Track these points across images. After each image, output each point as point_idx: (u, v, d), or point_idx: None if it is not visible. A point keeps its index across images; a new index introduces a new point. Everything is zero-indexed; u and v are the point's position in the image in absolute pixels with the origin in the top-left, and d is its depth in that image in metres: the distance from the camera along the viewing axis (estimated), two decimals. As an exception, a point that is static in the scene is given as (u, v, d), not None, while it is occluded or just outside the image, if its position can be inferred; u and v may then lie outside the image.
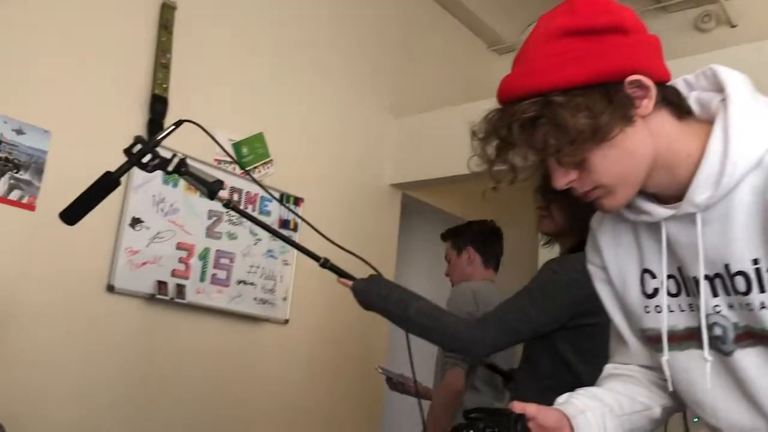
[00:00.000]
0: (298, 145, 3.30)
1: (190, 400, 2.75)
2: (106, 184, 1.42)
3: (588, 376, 1.45)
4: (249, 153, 3.05)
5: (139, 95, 2.69)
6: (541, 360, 1.60)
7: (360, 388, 3.48)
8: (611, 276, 1.10)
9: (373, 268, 1.64)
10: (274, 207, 3.15)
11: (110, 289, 2.56)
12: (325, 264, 1.62)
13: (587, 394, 1.08)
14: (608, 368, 1.18)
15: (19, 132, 2.35)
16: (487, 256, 2.73)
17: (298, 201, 3.23)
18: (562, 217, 1.69)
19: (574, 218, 1.66)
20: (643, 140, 0.92)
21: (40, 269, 2.38)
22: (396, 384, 2.69)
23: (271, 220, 3.13)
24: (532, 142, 0.92)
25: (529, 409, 0.93)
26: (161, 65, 2.71)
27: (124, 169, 1.44)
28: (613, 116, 0.89)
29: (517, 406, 0.92)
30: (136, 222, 2.64)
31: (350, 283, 1.63)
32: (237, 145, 3.00)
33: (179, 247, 2.77)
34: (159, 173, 2.70)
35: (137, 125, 2.67)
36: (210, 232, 2.89)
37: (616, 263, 1.09)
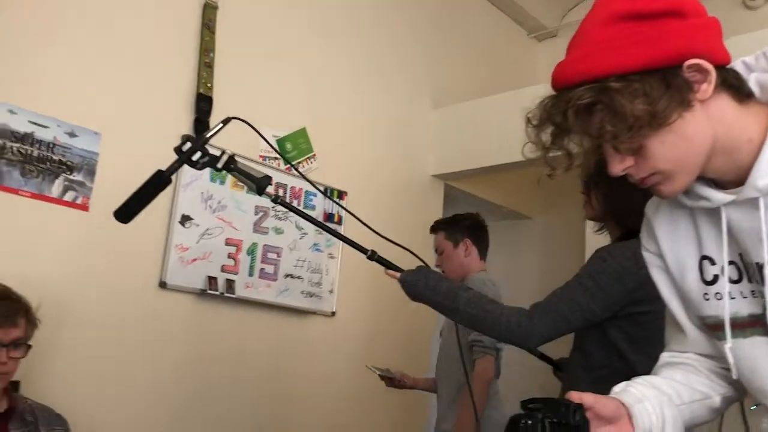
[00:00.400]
0: (340, 139, 3.32)
1: (240, 392, 2.81)
2: (157, 182, 1.45)
3: (641, 366, 1.43)
4: (293, 148, 3.08)
5: (185, 95, 2.74)
6: (593, 350, 1.58)
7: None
8: (668, 263, 1.09)
9: (421, 259, 1.64)
10: (318, 201, 3.18)
11: (162, 285, 2.62)
12: (373, 256, 1.63)
13: (645, 383, 1.06)
14: (664, 357, 1.16)
15: (72, 135, 2.42)
16: (481, 248, 2.76)
17: (341, 194, 3.25)
18: (599, 204, 1.68)
19: (610, 206, 1.65)
20: (702, 125, 0.90)
21: (94, 268, 2.45)
22: (392, 380, 2.74)
23: (316, 214, 3.16)
24: (588, 128, 0.91)
25: (587, 398, 0.93)
26: (205, 64, 2.75)
27: (174, 168, 1.47)
28: (671, 102, 0.87)
29: (574, 396, 0.91)
30: (185, 219, 2.70)
31: (398, 274, 1.64)
32: (281, 141, 3.04)
33: (228, 242, 2.83)
34: (206, 171, 2.77)
35: (183, 124, 2.72)
36: (257, 228, 2.94)
37: (673, 250, 1.07)
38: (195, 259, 2.71)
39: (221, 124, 1.51)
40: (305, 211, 3.09)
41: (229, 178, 2.86)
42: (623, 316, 1.55)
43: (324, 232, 3.14)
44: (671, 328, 1.16)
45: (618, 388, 1.05)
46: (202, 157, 1.46)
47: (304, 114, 3.17)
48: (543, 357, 1.92)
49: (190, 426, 2.65)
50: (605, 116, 0.88)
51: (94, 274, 2.45)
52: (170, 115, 2.70)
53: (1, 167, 2.23)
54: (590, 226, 3.07)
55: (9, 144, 2.26)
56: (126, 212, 1.44)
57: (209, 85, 2.75)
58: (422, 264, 1.64)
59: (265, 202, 2.97)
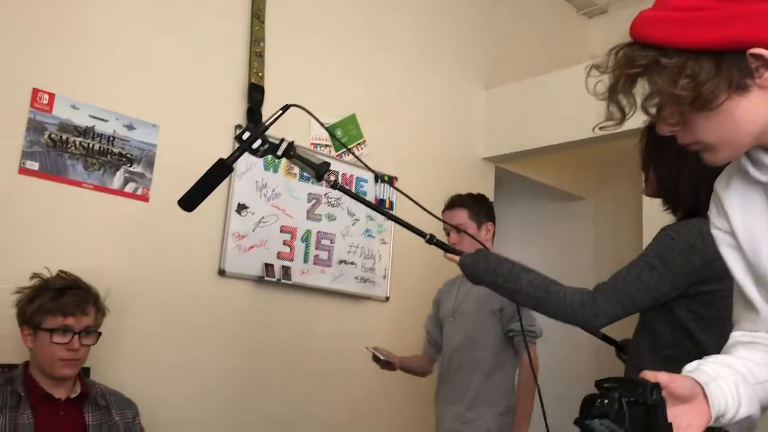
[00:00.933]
0: (389, 124, 3.32)
1: (297, 376, 2.85)
2: (219, 171, 1.48)
3: (710, 345, 1.40)
4: (343, 135, 3.10)
5: (237, 85, 2.78)
6: (660, 330, 1.55)
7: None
8: (740, 241, 1.06)
9: (480, 242, 1.64)
10: (369, 187, 3.19)
11: (221, 273, 2.68)
12: (432, 240, 1.63)
13: (717, 362, 1.04)
14: (735, 336, 1.13)
15: (130, 128, 2.48)
16: (494, 234, 2.67)
17: (392, 179, 3.26)
18: (655, 181, 1.65)
19: (666, 183, 1.61)
20: (755, 109, 0.90)
21: (156, 257, 2.52)
22: (386, 363, 2.57)
23: (368, 199, 3.17)
24: (631, 95, 0.94)
25: (662, 377, 0.91)
26: (256, 54, 2.78)
27: (236, 156, 1.50)
28: (719, 86, 0.88)
29: (649, 375, 0.90)
30: (242, 208, 2.75)
31: (457, 258, 1.64)
32: (331, 128, 3.05)
33: (283, 230, 2.86)
34: (260, 160, 2.82)
35: (236, 114, 2.76)
36: (310, 215, 2.97)
37: (746, 227, 1.04)
38: (252, 247, 2.76)
39: (280, 111, 1.52)
40: (357, 197, 3.12)
41: (282, 167, 2.89)
42: (690, 295, 1.52)
43: (376, 218, 3.15)
44: (741, 307, 1.13)
45: (690, 367, 1.03)
46: (262, 144, 1.48)
47: (354, 100, 3.18)
48: (606, 338, 1.89)
49: (249, 407, 2.71)
50: (651, 88, 0.91)
51: (156, 263, 2.52)
52: (223, 105, 2.74)
53: (65, 161, 2.31)
54: (648, 205, 3.03)
55: (72, 138, 2.33)
56: (190, 200, 1.48)
57: (260, 74, 2.78)
58: (482, 247, 1.63)
59: (317, 189, 3.00)
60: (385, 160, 3.25)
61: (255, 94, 2.75)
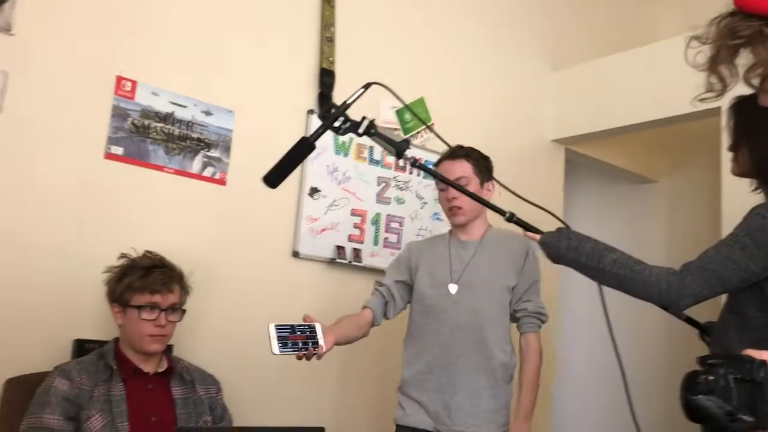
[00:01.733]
0: (457, 106, 3.31)
1: (367, 357, 2.89)
2: (302, 149, 1.51)
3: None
4: (412, 118, 3.10)
5: (308, 70, 2.82)
6: (749, 311, 1.50)
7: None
8: None
9: (561, 220, 1.62)
10: (438, 170, 3.19)
11: (295, 254, 2.74)
12: (512, 218, 1.62)
13: None
14: None
15: (208, 113, 2.55)
16: None
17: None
18: (748, 159, 1.58)
19: (759, 160, 1.55)
20: None
21: (232, 238, 2.59)
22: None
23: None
24: (732, 65, 0.91)
25: (767, 356, 0.89)
26: (326, 39, 2.81)
27: (319, 133, 1.52)
28: None
29: (754, 353, 0.88)
30: (314, 191, 2.79)
31: (538, 236, 1.62)
32: (400, 111, 3.06)
33: (353, 213, 2.90)
34: (330, 144, 2.86)
35: (308, 99, 2.80)
36: (380, 198, 2.99)
37: None
38: (324, 230, 2.80)
39: (362, 90, 1.54)
40: (425, 181, 3.13)
41: (353, 151, 2.92)
42: (783, 275, 1.46)
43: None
44: None
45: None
46: (344, 122, 1.50)
47: (422, 83, 3.17)
48: (689, 320, 1.84)
49: (319, 388, 2.77)
50: (756, 58, 0.91)
51: (233, 244, 2.59)
52: (295, 91, 2.78)
53: (147, 146, 2.39)
54: (729, 188, 2.92)
55: (153, 124, 2.41)
56: (274, 178, 1.52)
57: (331, 59, 2.81)
58: (563, 225, 1.62)
59: (386, 173, 3.02)
60: (452, 142, 3.23)
61: (326, 78, 2.78)
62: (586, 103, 3.60)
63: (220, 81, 2.60)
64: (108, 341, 2.03)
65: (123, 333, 1.99)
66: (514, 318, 2.23)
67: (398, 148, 1.54)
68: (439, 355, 2.16)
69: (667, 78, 3.24)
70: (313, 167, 2.78)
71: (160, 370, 2.00)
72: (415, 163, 1.59)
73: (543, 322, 2.23)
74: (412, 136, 3.07)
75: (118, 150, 2.33)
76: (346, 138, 2.88)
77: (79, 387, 1.83)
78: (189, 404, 1.99)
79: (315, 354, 1.78)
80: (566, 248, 1.58)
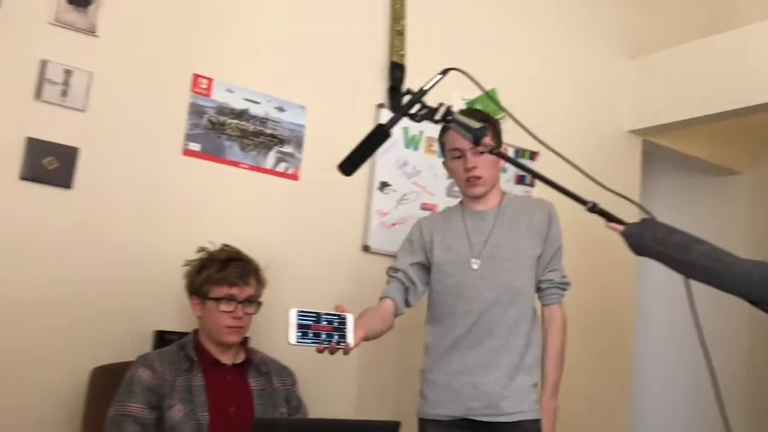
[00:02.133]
0: (529, 98, 3.23)
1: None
2: (378, 137, 1.50)
3: None
4: (484, 108, 3.05)
5: (379, 64, 2.81)
6: None
7: (607, 338, 3.40)
8: None
9: (646, 211, 1.56)
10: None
11: (365, 249, 2.74)
12: (594, 208, 1.57)
13: None
14: None
15: (281, 109, 2.58)
16: None
17: (533, 155, 3.18)
18: None
19: None
20: None
21: (304, 233, 2.61)
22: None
23: (507, 177, 3.12)
24: None
25: None
26: (396, 33, 2.80)
27: (394, 121, 1.51)
28: None
29: None
30: (384, 185, 2.79)
31: (620, 227, 1.56)
32: (471, 103, 3.02)
33: (423, 207, 2.88)
34: (399, 138, 2.85)
35: (378, 93, 2.80)
36: (450, 192, 2.96)
37: None
38: (394, 224, 2.80)
39: (440, 76, 1.52)
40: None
41: (422, 144, 2.90)
42: None
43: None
44: None
45: None
46: (420, 109, 1.49)
47: (493, 75, 3.09)
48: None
49: (391, 379, 2.76)
50: None
51: (306, 238, 2.61)
52: (365, 85, 2.78)
53: (222, 142, 2.44)
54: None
55: (228, 120, 2.46)
56: (349, 165, 1.52)
57: (401, 53, 2.80)
58: (648, 216, 1.55)
59: (457, 166, 2.98)
60: (525, 135, 3.17)
61: (396, 72, 2.77)
62: (665, 92, 3.46)
63: (293, 77, 2.62)
64: (187, 333, 2.08)
65: (202, 325, 2.03)
66: (537, 289, 2.11)
67: (476, 135, 1.52)
68: (467, 335, 2.02)
69: (752, 65, 3.09)
70: (383, 161, 2.78)
71: (238, 361, 2.04)
72: (492, 150, 1.55)
73: (566, 291, 2.12)
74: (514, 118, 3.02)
75: (195, 146, 2.39)
76: (416, 131, 2.87)
77: (161, 377, 1.88)
78: (265, 396, 2.02)
79: (340, 350, 1.60)
80: (651, 239, 1.51)
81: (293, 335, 1.51)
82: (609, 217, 1.57)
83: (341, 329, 1.59)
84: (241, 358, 2.05)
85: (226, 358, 2.01)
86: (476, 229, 2.09)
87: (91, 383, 2.05)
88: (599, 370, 3.39)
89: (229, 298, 1.97)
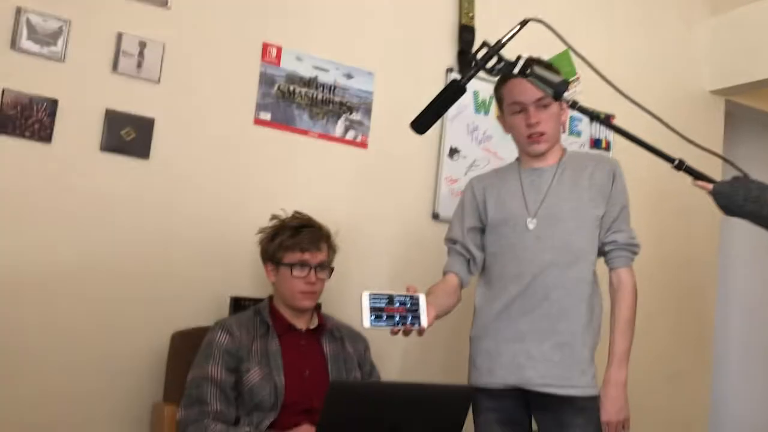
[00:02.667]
0: (604, 59, 3.07)
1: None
2: (453, 92, 1.46)
3: None
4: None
5: (447, 27, 2.76)
6: None
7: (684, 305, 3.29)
8: None
9: (739, 169, 1.47)
10: (584, 127, 3.03)
11: (435, 216, 2.71)
12: (681, 165, 1.49)
13: None
14: None
15: (348, 76, 2.56)
16: None
17: (609, 118, 3.06)
18: None
19: None
20: None
21: (374, 201, 2.61)
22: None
23: (582, 141, 3.03)
24: None
25: None
26: (465, -5, 2.73)
27: (471, 75, 1.47)
28: None
29: None
30: (453, 152, 2.74)
31: (710, 186, 1.48)
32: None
33: (494, 173, 2.82)
34: (470, 103, 2.79)
35: (447, 57, 2.75)
36: (522, 158, 2.89)
37: None
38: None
39: (518, 26, 1.47)
40: (570, 138, 2.98)
41: (493, 109, 2.84)
42: None
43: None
44: None
45: None
46: (497, 63, 1.43)
47: (568, 34, 3.00)
48: None
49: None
50: None
51: (375, 206, 2.60)
52: (434, 49, 2.74)
53: (293, 110, 2.45)
54: None
55: (298, 89, 2.46)
56: (422, 123, 1.48)
57: (471, 15, 2.73)
58: (741, 174, 1.47)
59: (529, 131, 2.90)
60: (599, 98, 3.05)
61: (466, 35, 2.71)
62: (748, 49, 3.26)
63: (360, 43, 2.60)
64: (263, 299, 2.11)
65: (276, 290, 2.05)
66: (601, 252, 1.94)
67: (557, 90, 1.45)
68: (519, 299, 1.88)
69: None
70: (452, 127, 2.73)
71: (312, 326, 2.06)
72: (575, 106, 1.49)
73: (635, 254, 1.94)
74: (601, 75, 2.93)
75: (266, 115, 2.40)
76: (486, 95, 2.80)
77: (238, 341, 1.92)
78: (339, 360, 2.03)
79: (414, 331, 1.59)
80: (744, 199, 1.43)
81: (367, 319, 1.52)
82: (697, 175, 1.49)
83: (414, 310, 1.58)
84: (315, 323, 2.07)
85: (301, 323, 2.03)
86: (533, 187, 1.95)
87: (172, 348, 2.11)
88: (675, 340, 3.28)
89: (302, 264, 1.99)
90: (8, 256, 2.02)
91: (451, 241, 2.05)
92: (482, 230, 2.02)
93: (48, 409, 2.05)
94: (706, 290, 3.43)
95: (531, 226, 1.90)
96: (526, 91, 1.85)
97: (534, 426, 1.93)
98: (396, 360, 2.56)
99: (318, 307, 2.17)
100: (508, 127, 2.01)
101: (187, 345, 2.06)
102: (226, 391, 1.86)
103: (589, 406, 1.83)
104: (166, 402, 2.03)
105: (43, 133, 2.06)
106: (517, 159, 2.07)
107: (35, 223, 2.06)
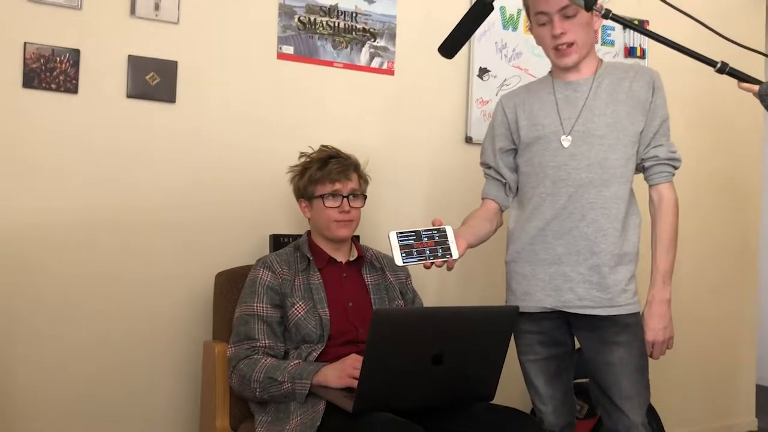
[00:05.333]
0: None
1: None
2: (480, 11, 1.40)
3: None
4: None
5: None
6: None
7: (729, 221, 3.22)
8: None
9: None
10: (617, 35, 2.91)
11: (468, 140, 2.67)
12: (724, 68, 1.42)
13: None
14: None
15: (370, 1, 2.48)
16: None
17: (643, 23, 2.93)
18: None
19: None
20: None
21: (406, 127, 2.57)
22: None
23: (616, 50, 2.91)
24: None
25: None
26: None
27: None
28: None
29: None
30: (483, 72, 2.67)
31: (756, 87, 1.41)
32: (571, -26, 2.80)
33: (526, 91, 2.75)
34: (498, 19, 2.69)
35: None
36: (554, 73, 2.80)
37: None
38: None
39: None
40: (604, 47, 2.87)
41: (522, 23, 2.74)
42: None
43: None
44: None
45: None
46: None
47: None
48: None
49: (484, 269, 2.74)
50: None
51: (407, 133, 2.57)
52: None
53: (315, 42, 2.39)
54: None
55: (319, 19, 2.39)
56: (450, 47, 1.43)
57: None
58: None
59: (560, 44, 2.80)
60: (631, 4, 2.93)
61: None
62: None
63: (379, -35, 2.50)
64: (301, 235, 2.12)
65: (313, 224, 2.06)
66: (640, 168, 1.86)
67: (587, 1, 1.38)
68: (556, 221, 1.82)
69: None
70: (480, 46, 2.65)
71: (352, 258, 2.07)
72: (608, 15, 1.41)
73: (676, 169, 1.86)
74: None
75: (288, 49, 2.35)
76: (514, 10, 2.70)
77: (281, 277, 1.94)
78: (381, 289, 2.05)
79: (444, 262, 1.60)
80: (794, 97, 1.36)
81: (399, 257, 1.56)
82: (742, 78, 1.42)
83: (443, 242, 1.60)
84: (354, 255, 2.08)
85: (340, 256, 2.04)
86: (568, 102, 1.85)
87: (216, 287, 2.15)
88: (718, 253, 3.23)
89: (334, 194, 1.98)
90: (50, 212, 2.06)
91: (485, 165, 2.00)
92: (515, 150, 1.95)
93: (101, 355, 2.13)
94: (751, 198, 3.35)
95: (566, 143, 1.82)
96: (550, 0, 1.75)
97: (577, 344, 1.93)
98: (432, 290, 2.58)
99: (356, 238, 2.17)
100: (536, 39, 1.88)
101: (231, 284, 2.10)
102: (273, 326, 1.90)
103: (632, 322, 1.80)
104: (216, 340, 2.08)
105: (70, 85, 2.06)
106: (550, 72, 1.97)
107: (70, 177, 2.09)
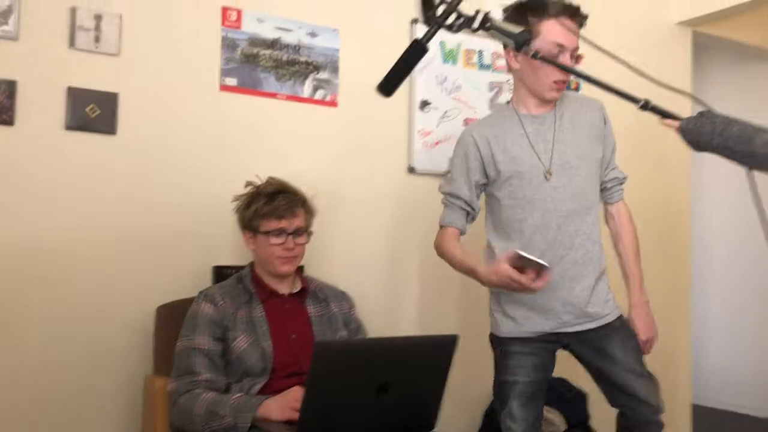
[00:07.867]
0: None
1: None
2: (416, 52, 1.45)
3: None
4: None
5: (409, -23, 2.71)
6: None
7: (663, 240, 3.34)
8: None
9: (704, 103, 1.48)
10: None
11: (411, 170, 2.72)
12: (646, 106, 1.50)
13: None
14: None
15: (313, 35, 2.52)
16: None
17: (577, 58, 3.04)
18: None
19: None
20: None
21: (349, 159, 2.60)
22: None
23: (552, 83, 3.02)
24: None
25: None
26: (423, -57, 2.68)
27: (431, 34, 1.45)
28: None
29: None
30: (424, 104, 2.73)
31: (677, 123, 1.49)
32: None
33: (466, 123, 2.82)
34: (437, 53, 2.76)
35: (410, 8, 2.71)
36: (492, 104, 2.88)
37: None
38: (438, 142, 2.75)
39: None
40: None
41: (461, 57, 2.82)
42: None
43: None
44: None
45: None
46: (457, 19, 1.42)
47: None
48: None
49: (436, 297, 2.78)
50: None
51: (351, 164, 2.60)
52: (397, 0, 2.69)
53: (258, 74, 2.41)
54: None
55: (262, 52, 2.42)
56: (388, 86, 1.47)
57: (431, -38, 2.68)
58: (705, 109, 1.47)
59: (498, 77, 2.89)
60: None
61: (428, -16, 2.66)
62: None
63: (322, 0, 2.55)
64: (244, 266, 2.11)
65: (256, 257, 2.06)
66: (601, 189, 2.06)
67: (517, 41, 1.45)
68: (549, 251, 1.90)
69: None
70: (421, 79, 2.71)
71: (295, 290, 2.07)
72: (536, 56, 1.48)
73: (623, 184, 2.12)
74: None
75: (232, 81, 2.37)
76: (453, 45, 2.78)
77: (223, 310, 1.93)
78: (324, 321, 2.06)
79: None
80: (711, 133, 1.44)
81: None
82: (664, 114, 1.50)
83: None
84: (297, 287, 2.08)
85: (283, 288, 2.04)
86: (538, 135, 1.94)
87: (158, 321, 2.12)
88: (656, 271, 3.34)
89: (279, 231, 1.98)
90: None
91: (453, 196, 2.01)
92: (484, 184, 2.01)
93: (40, 385, 2.07)
94: (681, 218, 3.48)
95: (548, 177, 1.92)
96: (572, 35, 1.82)
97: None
98: (411, 314, 2.60)
99: (300, 269, 2.18)
100: (526, 67, 1.90)
101: (172, 317, 2.07)
102: (214, 360, 1.88)
103: (620, 324, 1.99)
104: (157, 375, 2.05)
105: (6, 116, 2.02)
106: (508, 103, 2.04)
107: (4, 208, 2.04)
